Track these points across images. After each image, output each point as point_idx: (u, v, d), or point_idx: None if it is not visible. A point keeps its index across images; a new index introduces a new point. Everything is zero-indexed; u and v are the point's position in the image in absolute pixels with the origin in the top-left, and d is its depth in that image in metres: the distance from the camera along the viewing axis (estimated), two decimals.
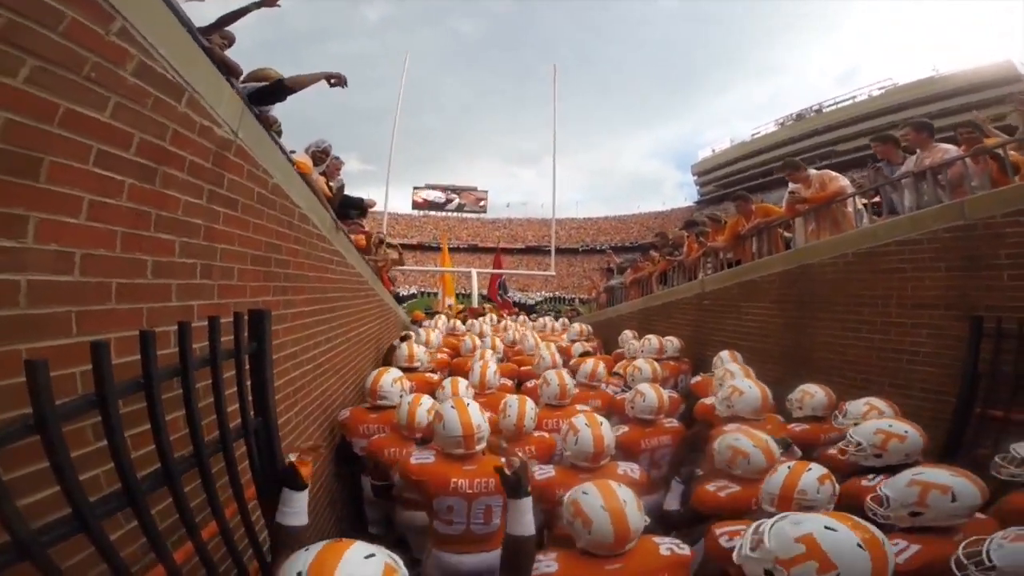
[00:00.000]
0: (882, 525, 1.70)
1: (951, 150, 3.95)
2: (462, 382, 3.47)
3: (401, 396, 3.17)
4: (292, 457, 1.57)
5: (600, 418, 2.58)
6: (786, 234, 5.46)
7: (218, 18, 2.99)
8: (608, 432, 2.51)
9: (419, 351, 4.37)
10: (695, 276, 6.84)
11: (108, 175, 1.21)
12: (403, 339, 5.00)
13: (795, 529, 1.29)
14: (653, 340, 5.25)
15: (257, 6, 3.02)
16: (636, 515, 1.73)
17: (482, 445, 2.43)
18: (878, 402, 2.88)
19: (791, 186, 5.36)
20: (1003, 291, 3.09)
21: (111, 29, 1.19)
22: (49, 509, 0.95)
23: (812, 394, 3.27)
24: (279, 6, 3.06)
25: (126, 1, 1.23)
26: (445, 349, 5.86)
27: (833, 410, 3.20)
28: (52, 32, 1.04)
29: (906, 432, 2.29)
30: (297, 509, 1.50)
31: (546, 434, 3.10)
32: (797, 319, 4.70)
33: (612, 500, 1.72)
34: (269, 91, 3.00)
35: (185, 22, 1.57)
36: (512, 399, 2.97)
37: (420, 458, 2.45)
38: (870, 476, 2.25)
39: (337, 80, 3.25)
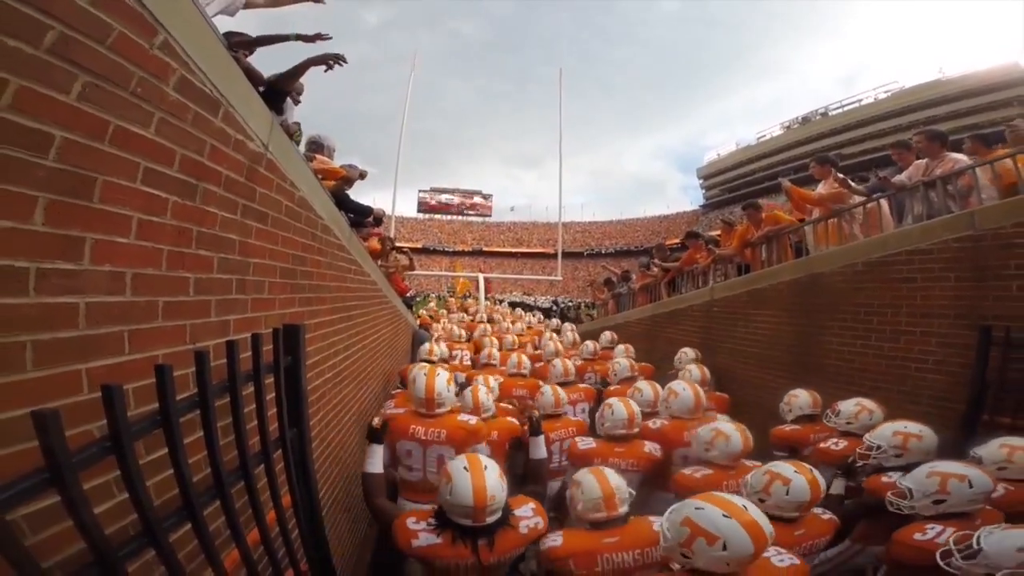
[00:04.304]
0: (908, 516, 1.99)
1: (961, 160, 3.97)
2: (483, 387, 3.43)
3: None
4: (376, 420, 2.44)
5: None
6: (798, 234, 5.46)
7: (257, 36, 2.81)
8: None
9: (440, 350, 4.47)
10: (705, 283, 6.86)
11: (154, 193, 1.21)
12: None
13: (675, 515, 1.54)
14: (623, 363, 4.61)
15: (298, 38, 2.85)
16: (617, 479, 2.02)
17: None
18: (868, 402, 3.02)
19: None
20: (1012, 301, 3.13)
21: (155, 43, 1.19)
22: (112, 520, 0.99)
23: (796, 396, 3.51)
24: (317, 42, 2.90)
25: (168, 14, 1.22)
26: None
27: (817, 408, 3.38)
28: (101, 46, 1.03)
29: (921, 431, 2.47)
30: (377, 460, 2.31)
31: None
32: (806, 327, 4.72)
33: (599, 472, 2.04)
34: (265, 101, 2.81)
35: (216, 32, 1.56)
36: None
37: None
38: (888, 473, 2.37)
39: (334, 60, 2.84)
